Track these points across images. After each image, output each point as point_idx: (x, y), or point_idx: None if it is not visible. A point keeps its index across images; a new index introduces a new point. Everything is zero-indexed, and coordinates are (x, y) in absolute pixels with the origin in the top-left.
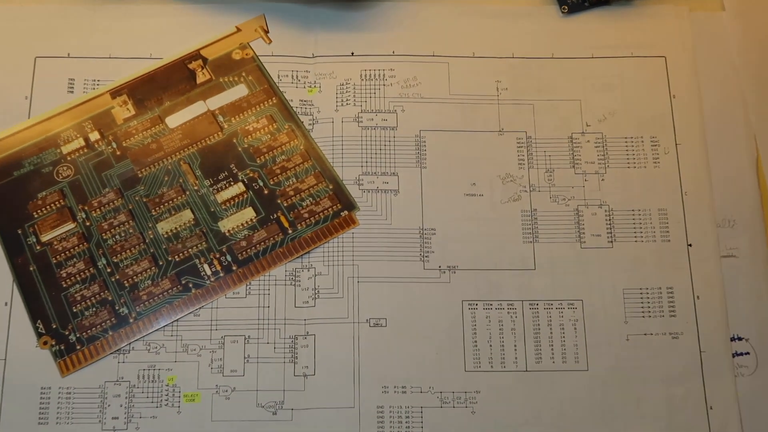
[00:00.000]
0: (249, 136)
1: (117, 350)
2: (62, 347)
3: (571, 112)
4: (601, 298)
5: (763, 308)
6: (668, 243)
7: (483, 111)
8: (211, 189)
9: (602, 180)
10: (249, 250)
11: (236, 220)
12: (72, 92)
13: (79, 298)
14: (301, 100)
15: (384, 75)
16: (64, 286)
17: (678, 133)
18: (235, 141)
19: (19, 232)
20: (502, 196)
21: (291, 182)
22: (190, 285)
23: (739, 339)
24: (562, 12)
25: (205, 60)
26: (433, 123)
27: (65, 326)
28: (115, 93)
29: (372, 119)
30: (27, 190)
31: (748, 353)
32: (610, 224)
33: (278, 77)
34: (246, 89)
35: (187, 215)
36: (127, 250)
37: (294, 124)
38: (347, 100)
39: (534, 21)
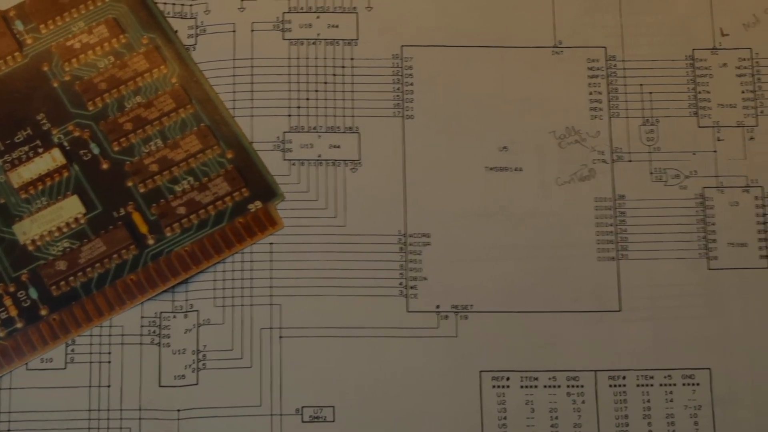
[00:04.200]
0: (74, 60)
1: None
2: None
3: (692, 10)
4: (747, 365)
5: None
6: None
7: (524, 9)
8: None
9: (751, 139)
10: (72, 279)
11: (48, 221)
12: None
13: None
14: None
15: None
16: None
17: None
18: (46, 70)
19: None
20: (559, 170)
21: (154, 147)
22: None
23: None
24: None
25: None
26: (428, 32)
27: None
28: None
29: (310, 25)
30: None
31: None
32: (766, 224)
33: None
34: None
35: None
36: None
37: (159, 35)
38: None
39: None
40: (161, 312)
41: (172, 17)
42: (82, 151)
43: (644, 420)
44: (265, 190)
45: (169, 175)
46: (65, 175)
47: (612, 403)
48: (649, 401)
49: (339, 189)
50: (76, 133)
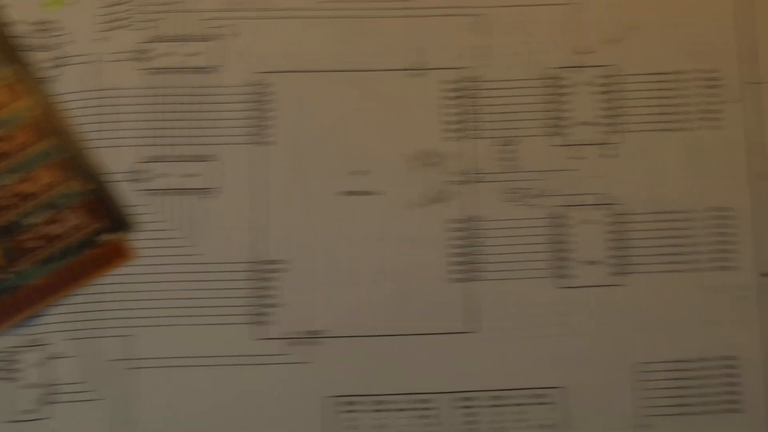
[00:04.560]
0: None
1: None
2: None
3: (554, 28)
4: (600, 384)
5: None
6: (730, 273)
7: (383, 31)
8: None
9: (608, 157)
10: None
11: None
12: None
13: None
14: (34, 23)
15: None
16: None
17: (762, 62)
18: None
19: None
20: (413, 193)
21: (8, 181)
22: None
23: None
24: None
25: None
26: (288, 58)
27: None
28: None
29: (170, 55)
30: None
31: None
32: (619, 241)
33: None
34: None
35: None
36: None
37: (19, 68)
38: (121, 20)
39: None
40: (11, 347)
41: (32, 50)
42: None
43: None
44: (120, 221)
45: (23, 210)
46: None
47: (464, 424)
48: (502, 422)
49: (196, 218)
50: None
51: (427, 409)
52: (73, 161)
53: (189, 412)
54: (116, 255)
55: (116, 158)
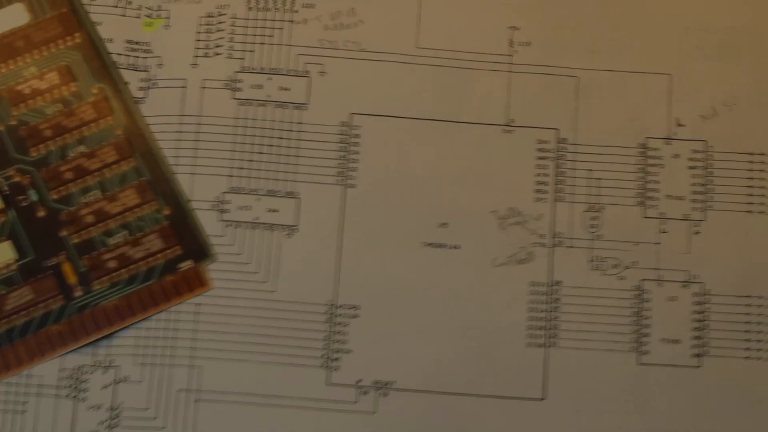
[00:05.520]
0: (22, 105)
1: None
2: None
3: (649, 97)
4: None
5: None
6: None
7: (479, 84)
8: None
9: (696, 233)
10: None
11: None
12: None
13: None
14: (130, 42)
15: (293, 1)
16: None
17: None
18: None
19: None
20: (497, 251)
21: (92, 198)
22: None
23: None
24: None
25: None
26: (379, 101)
27: None
28: None
29: (261, 86)
30: None
31: None
32: (702, 321)
33: None
34: (26, 13)
35: None
36: None
37: (110, 85)
38: (216, 46)
39: None
40: (81, 365)
41: (125, 68)
42: (20, 197)
43: None
44: (198, 249)
45: (104, 227)
46: (1, 220)
47: None
48: None
49: (273, 254)
50: (17, 179)
51: None
52: (158, 184)
53: None
54: (195, 283)
55: (199, 186)
